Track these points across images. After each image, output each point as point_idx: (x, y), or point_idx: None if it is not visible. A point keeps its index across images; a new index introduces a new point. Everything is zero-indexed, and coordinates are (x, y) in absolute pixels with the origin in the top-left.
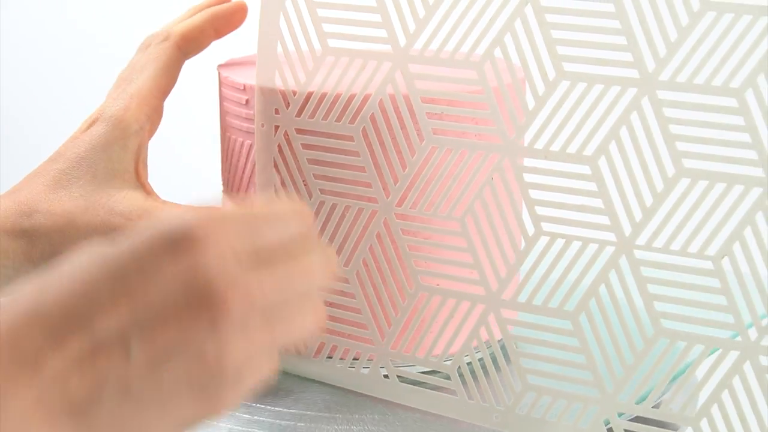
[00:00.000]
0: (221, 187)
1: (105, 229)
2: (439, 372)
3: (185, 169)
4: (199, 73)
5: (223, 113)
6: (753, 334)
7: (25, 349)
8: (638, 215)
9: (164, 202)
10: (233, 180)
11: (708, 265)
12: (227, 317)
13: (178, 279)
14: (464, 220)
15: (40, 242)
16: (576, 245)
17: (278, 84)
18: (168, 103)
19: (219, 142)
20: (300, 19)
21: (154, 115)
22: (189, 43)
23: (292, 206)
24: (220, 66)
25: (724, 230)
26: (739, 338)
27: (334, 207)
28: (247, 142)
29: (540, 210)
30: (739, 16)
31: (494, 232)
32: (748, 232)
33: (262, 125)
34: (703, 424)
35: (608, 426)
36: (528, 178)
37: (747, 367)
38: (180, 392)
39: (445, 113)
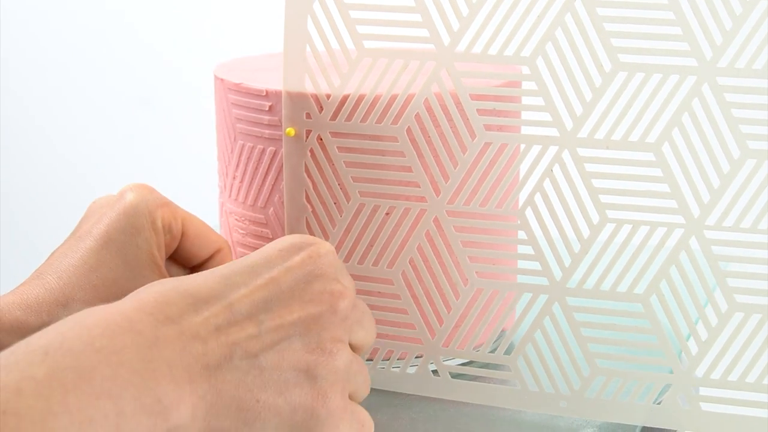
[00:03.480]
0: (220, 195)
1: None
2: (491, 364)
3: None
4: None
5: (232, 121)
6: None
7: (170, 311)
8: (706, 197)
9: None
10: (246, 190)
11: None
12: (342, 307)
13: (302, 270)
14: (524, 214)
15: None
16: (644, 229)
17: (308, 88)
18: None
19: (216, 150)
20: (331, 21)
21: (176, 228)
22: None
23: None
24: (218, 72)
25: None
26: None
27: (376, 208)
28: (270, 148)
29: (604, 198)
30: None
31: (556, 222)
32: None
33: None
34: None
35: (685, 404)
36: (590, 167)
37: None
38: (294, 374)
39: (497, 109)
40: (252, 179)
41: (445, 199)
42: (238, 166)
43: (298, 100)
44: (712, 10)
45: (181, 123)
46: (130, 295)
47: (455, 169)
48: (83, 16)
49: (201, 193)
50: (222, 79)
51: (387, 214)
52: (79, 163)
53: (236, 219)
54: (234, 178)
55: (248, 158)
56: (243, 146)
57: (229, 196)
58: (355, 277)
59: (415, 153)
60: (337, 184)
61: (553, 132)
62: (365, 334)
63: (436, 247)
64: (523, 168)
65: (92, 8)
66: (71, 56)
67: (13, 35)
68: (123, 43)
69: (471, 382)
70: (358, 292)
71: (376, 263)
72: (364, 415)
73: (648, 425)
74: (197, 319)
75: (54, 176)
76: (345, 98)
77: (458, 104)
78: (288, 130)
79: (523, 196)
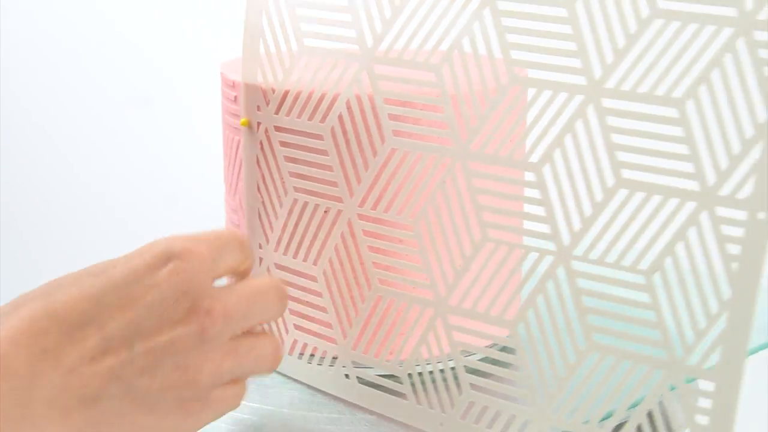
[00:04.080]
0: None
1: None
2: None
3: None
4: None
5: (222, 110)
6: None
7: (46, 343)
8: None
9: None
10: (228, 177)
11: None
12: (211, 328)
13: (172, 288)
14: (418, 224)
15: None
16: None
17: (260, 81)
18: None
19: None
20: (280, 17)
21: None
22: None
23: (233, 233)
24: (222, 64)
25: None
26: None
27: (305, 205)
28: (236, 138)
29: (488, 217)
30: (685, 24)
31: (444, 236)
32: None
33: (252, 122)
34: None
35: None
36: (478, 183)
37: None
38: (167, 398)
39: (404, 115)
40: (230, 168)
41: (357, 201)
42: (224, 156)
43: (252, 92)
44: (608, 26)
45: (185, 122)
46: (2, 317)
47: (366, 171)
48: (84, 16)
49: (204, 192)
50: (221, 72)
51: (313, 212)
52: (81, 163)
53: (232, 211)
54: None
55: (227, 148)
56: (226, 136)
57: (228, 192)
58: (289, 272)
59: (336, 153)
60: (279, 177)
61: (449, 143)
62: (260, 356)
63: (348, 249)
64: (423, 178)
65: (93, 8)
66: (71, 56)
67: (13, 35)
68: (124, 43)
69: (370, 388)
70: (293, 286)
71: (304, 259)
72: None
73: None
74: (72, 350)
75: (54, 176)
76: (286, 93)
77: (373, 107)
78: (242, 120)
79: (420, 207)
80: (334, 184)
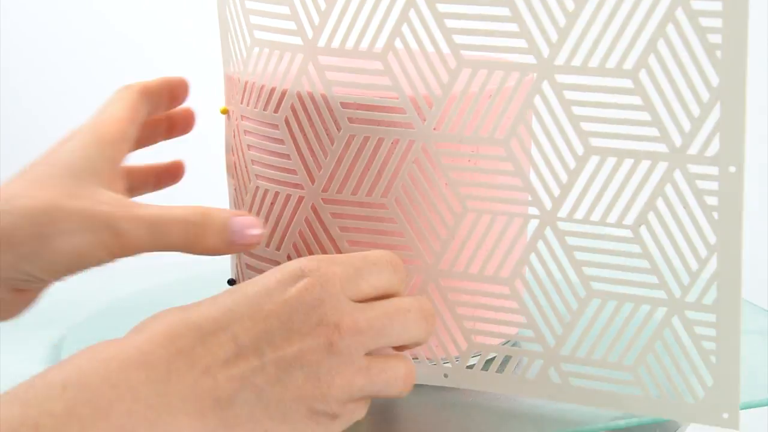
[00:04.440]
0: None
1: (92, 215)
2: None
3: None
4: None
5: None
6: None
7: (181, 344)
8: None
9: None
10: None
11: None
12: (339, 341)
13: (300, 302)
14: (392, 202)
15: (23, 222)
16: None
17: (232, 71)
18: None
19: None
20: (236, 10)
21: (123, 140)
22: (150, 93)
23: (385, 256)
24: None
25: None
26: None
27: (266, 192)
28: None
29: (464, 190)
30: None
31: (422, 210)
32: None
33: (229, 110)
34: None
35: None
36: (445, 161)
37: None
38: (300, 409)
39: (357, 102)
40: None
41: (320, 187)
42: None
43: (228, 82)
44: (546, 7)
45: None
46: (140, 325)
47: (326, 159)
48: (84, 15)
49: (204, 192)
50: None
51: (274, 198)
52: None
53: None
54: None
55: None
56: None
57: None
58: (256, 258)
59: (292, 142)
60: (244, 165)
61: (409, 126)
62: (392, 377)
63: (315, 233)
64: (390, 159)
65: (94, 7)
66: (71, 56)
67: (14, 35)
68: (125, 42)
69: None
70: (260, 272)
71: (267, 245)
72: None
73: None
74: (205, 352)
75: None
76: (245, 84)
77: (324, 97)
78: (222, 108)
79: (390, 188)
80: (293, 171)
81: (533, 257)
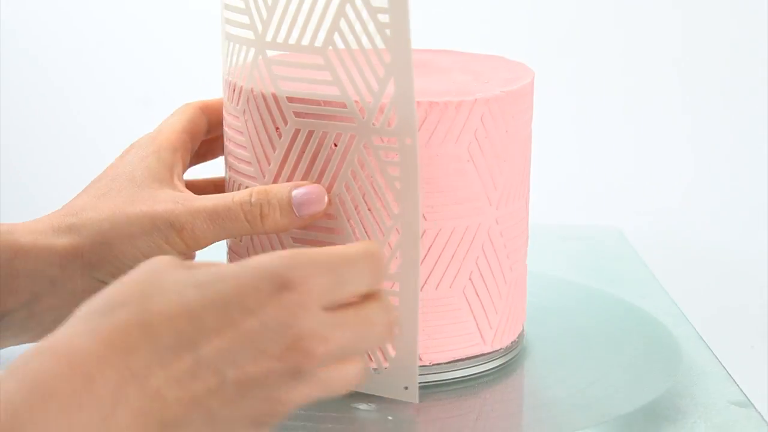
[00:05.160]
0: None
1: (152, 216)
2: None
3: None
4: None
5: None
6: None
7: (135, 364)
8: None
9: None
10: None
11: None
12: (307, 367)
13: (276, 321)
14: (335, 201)
15: (89, 232)
16: None
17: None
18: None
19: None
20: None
21: (182, 147)
22: (209, 109)
23: (365, 252)
24: None
25: None
26: None
27: (233, 183)
28: None
29: None
30: None
31: (366, 216)
32: None
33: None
34: None
35: None
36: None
37: None
38: (246, 423)
39: (302, 98)
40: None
41: (269, 180)
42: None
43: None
44: None
45: None
46: (96, 317)
47: (274, 152)
48: (86, 14)
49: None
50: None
51: (236, 190)
52: (83, 162)
53: None
54: None
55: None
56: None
57: None
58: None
59: (248, 134)
60: (226, 157)
61: (351, 120)
62: (343, 378)
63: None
64: (332, 154)
65: (95, 6)
66: (72, 55)
67: (14, 34)
68: (125, 43)
69: None
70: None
71: None
72: None
73: None
74: (161, 374)
75: (56, 175)
76: (225, 79)
77: (272, 92)
78: None
79: (332, 184)
80: (249, 163)
81: None
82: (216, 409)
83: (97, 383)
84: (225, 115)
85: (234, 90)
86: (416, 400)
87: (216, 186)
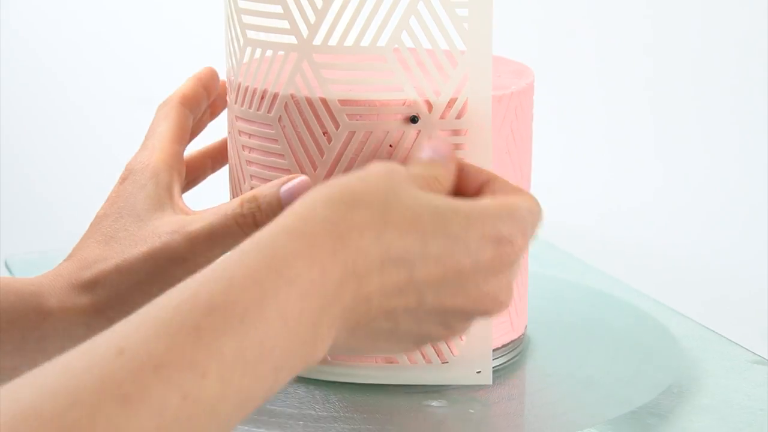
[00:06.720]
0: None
1: (153, 255)
2: None
3: None
4: None
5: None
6: None
7: (362, 265)
8: None
9: (199, 211)
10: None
11: None
12: (494, 314)
13: (487, 269)
14: None
15: (104, 289)
16: None
17: (227, 72)
18: None
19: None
20: (230, 10)
21: (176, 161)
22: (189, 101)
23: (539, 211)
24: None
25: None
26: None
27: None
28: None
29: None
30: None
31: None
32: None
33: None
34: None
35: None
36: None
37: None
38: (416, 339)
39: (355, 99)
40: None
41: None
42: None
43: (229, 83)
44: None
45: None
46: (335, 208)
47: (322, 158)
48: (88, 13)
49: (205, 191)
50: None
51: None
52: (84, 162)
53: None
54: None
55: None
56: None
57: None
58: None
59: (285, 141)
60: (238, 165)
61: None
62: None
63: None
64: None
65: (98, 6)
66: (73, 55)
67: (14, 34)
68: (125, 42)
69: None
70: None
71: None
72: None
73: None
74: (377, 282)
75: (57, 175)
76: (238, 85)
77: (321, 96)
78: None
79: None
80: (287, 171)
81: None
82: (402, 325)
83: (328, 276)
84: (238, 124)
85: (263, 98)
86: (490, 382)
87: (212, 156)
